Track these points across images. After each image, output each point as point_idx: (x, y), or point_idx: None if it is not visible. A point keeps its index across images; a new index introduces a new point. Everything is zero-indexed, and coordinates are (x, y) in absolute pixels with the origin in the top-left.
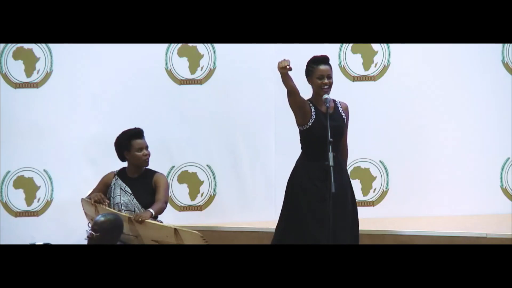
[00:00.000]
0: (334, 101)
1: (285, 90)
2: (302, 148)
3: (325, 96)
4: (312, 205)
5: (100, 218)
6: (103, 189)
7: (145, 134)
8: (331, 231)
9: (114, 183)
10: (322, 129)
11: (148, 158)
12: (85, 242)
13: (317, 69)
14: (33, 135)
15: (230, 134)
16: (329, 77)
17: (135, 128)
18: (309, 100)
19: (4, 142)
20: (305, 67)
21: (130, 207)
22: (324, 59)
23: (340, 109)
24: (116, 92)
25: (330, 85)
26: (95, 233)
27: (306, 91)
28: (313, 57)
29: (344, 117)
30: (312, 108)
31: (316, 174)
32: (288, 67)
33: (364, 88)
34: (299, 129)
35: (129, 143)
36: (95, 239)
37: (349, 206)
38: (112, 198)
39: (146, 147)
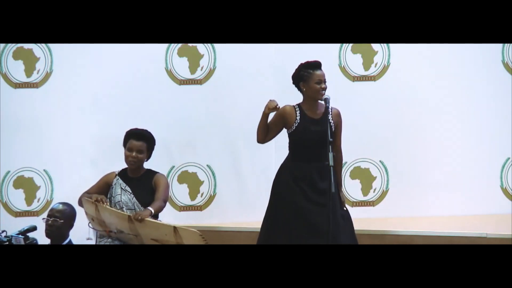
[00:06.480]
0: (326, 107)
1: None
2: (289, 149)
3: (326, 96)
4: (296, 206)
5: (59, 206)
6: (104, 187)
7: None
8: (331, 231)
9: (115, 183)
10: (305, 133)
11: (132, 161)
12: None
13: (314, 74)
14: (33, 135)
15: (230, 134)
16: (325, 81)
17: (137, 129)
18: (298, 104)
19: (4, 142)
20: (295, 73)
21: (131, 206)
22: (319, 64)
23: (330, 115)
24: (116, 92)
25: (325, 89)
26: (59, 220)
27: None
28: (307, 62)
29: (332, 123)
30: (298, 112)
31: (300, 175)
32: (277, 106)
33: (364, 88)
34: (287, 132)
35: (126, 141)
36: (58, 225)
37: (339, 206)
38: (112, 197)
39: (138, 151)
